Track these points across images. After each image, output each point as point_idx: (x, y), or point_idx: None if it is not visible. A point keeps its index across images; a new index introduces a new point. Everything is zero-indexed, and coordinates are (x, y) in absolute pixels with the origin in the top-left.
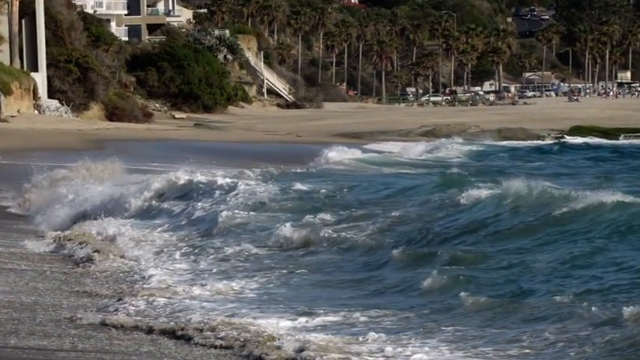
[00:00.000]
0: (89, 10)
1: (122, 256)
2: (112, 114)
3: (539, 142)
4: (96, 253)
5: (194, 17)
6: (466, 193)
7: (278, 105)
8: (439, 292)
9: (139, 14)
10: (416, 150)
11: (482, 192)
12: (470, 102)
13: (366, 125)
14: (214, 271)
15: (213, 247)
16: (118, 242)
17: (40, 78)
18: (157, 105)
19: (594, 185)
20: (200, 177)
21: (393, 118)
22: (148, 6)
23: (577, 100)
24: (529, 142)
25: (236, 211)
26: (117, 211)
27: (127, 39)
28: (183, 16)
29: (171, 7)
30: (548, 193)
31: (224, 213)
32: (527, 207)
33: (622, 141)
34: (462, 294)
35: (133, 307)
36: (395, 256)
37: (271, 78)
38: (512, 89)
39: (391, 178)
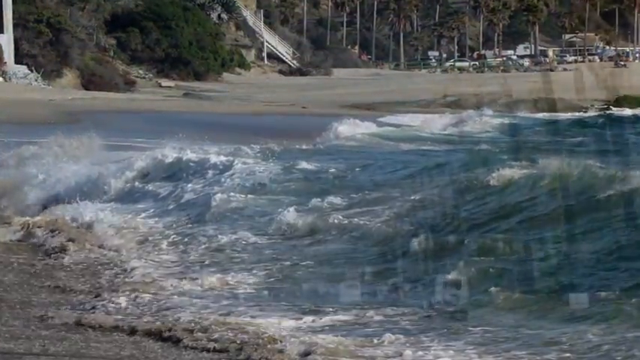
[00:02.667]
0: None
1: (100, 246)
2: (89, 82)
3: (581, 114)
4: (70, 243)
5: None
6: (497, 173)
7: (280, 71)
8: (466, 287)
9: None
10: (439, 123)
11: (516, 172)
12: (501, 68)
13: (381, 95)
14: (207, 262)
15: (205, 236)
16: (95, 230)
17: (6, 40)
18: (141, 71)
19: None
20: (190, 154)
21: (412, 87)
22: None
23: (625, 65)
24: (569, 114)
25: (232, 193)
26: (94, 193)
27: None
28: None
29: None
30: (592, 173)
31: (218, 196)
32: (566, 189)
33: None
34: (493, 289)
35: (113, 305)
36: (415, 245)
37: (272, 41)
38: (550, 53)
39: (410, 155)
